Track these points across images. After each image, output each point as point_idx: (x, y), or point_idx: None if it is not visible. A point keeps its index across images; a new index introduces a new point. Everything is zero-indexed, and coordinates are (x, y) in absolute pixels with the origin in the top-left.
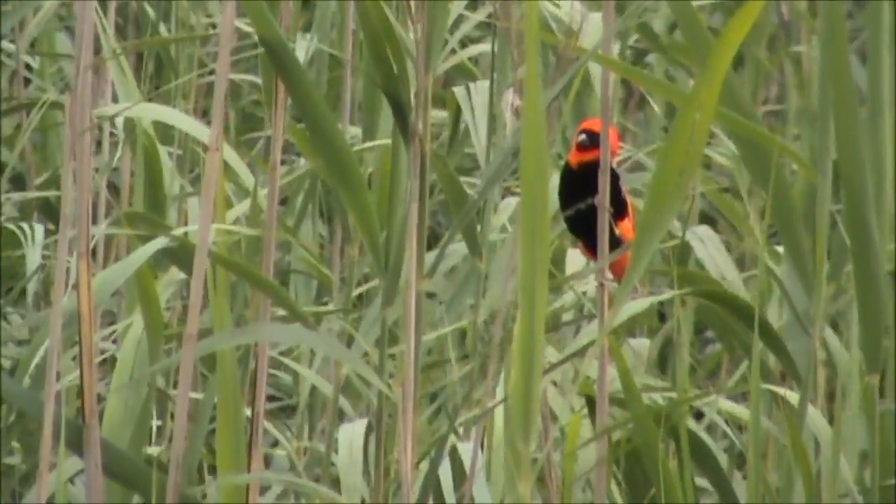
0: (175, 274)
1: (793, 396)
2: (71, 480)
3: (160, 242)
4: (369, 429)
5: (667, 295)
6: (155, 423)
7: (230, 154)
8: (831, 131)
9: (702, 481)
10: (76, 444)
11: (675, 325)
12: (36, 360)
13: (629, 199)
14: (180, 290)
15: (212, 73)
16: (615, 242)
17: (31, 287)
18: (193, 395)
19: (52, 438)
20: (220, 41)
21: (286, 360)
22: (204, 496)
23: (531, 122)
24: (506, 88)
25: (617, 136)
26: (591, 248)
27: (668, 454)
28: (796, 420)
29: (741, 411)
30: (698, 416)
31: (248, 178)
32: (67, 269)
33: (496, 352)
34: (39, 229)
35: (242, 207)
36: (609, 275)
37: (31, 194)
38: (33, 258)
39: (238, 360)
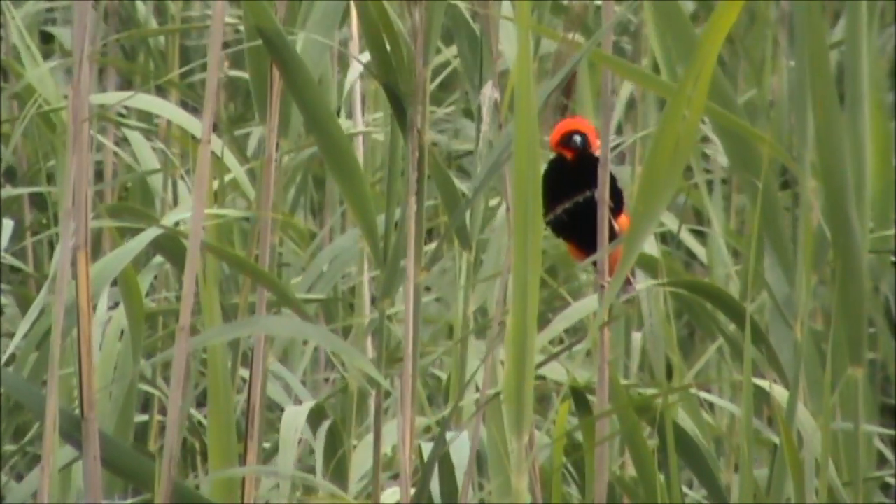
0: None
1: (780, 392)
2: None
3: (153, 233)
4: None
5: (645, 284)
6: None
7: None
8: (809, 120)
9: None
10: (74, 437)
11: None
12: (11, 351)
13: (626, 191)
14: (164, 279)
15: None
16: (613, 239)
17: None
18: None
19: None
20: (210, 33)
21: None
22: (197, 487)
23: (522, 114)
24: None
25: (594, 132)
26: (583, 250)
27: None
28: (786, 416)
29: (723, 403)
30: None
31: (240, 173)
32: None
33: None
34: (8, 224)
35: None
36: (609, 278)
37: (23, 189)
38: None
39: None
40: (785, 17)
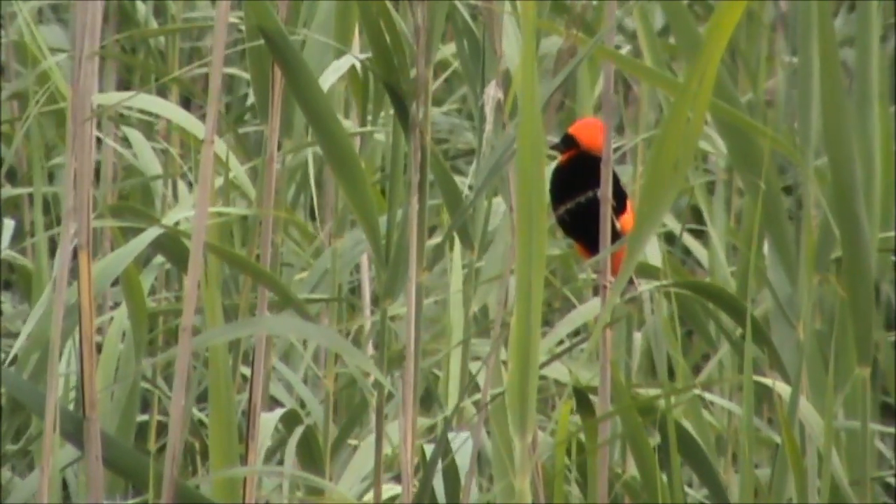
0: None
1: (782, 388)
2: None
3: (154, 232)
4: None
5: (650, 286)
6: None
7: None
8: (812, 119)
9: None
10: (75, 437)
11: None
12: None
13: (628, 191)
14: (164, 279)
15: (203, 66)
16: (616, 238)
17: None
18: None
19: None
20: (214, 33)
21: None
22: (197, 487)
23: (527, 113)
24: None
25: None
26: (588, 249)
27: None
28: (788, 415)
29: (724, 403)
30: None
31: (242, 174)
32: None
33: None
34: (9, 225)
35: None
36: (611, 277)
37: (23, 189)
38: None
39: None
40: (780, 19)
